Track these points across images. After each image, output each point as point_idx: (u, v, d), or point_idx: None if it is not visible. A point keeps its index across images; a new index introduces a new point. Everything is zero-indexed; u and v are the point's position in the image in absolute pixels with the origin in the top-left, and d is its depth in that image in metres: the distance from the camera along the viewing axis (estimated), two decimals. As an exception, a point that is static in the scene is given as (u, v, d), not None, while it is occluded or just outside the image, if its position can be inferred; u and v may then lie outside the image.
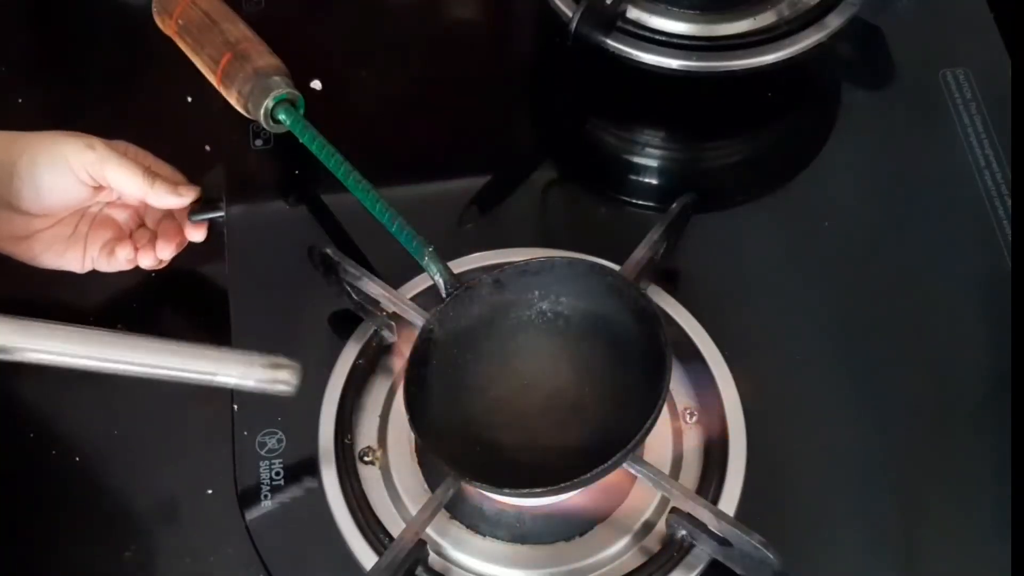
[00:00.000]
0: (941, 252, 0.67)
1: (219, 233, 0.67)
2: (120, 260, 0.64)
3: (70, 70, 0.75)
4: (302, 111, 0.65)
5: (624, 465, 0.52)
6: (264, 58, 0.65)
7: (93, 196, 0.63)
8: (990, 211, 0.67)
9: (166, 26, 0.68)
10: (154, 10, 0.69)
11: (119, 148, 0.62)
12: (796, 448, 0.60)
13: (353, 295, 0.61)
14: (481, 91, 0.74)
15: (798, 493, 0.58)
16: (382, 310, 0.61)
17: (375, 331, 0.61)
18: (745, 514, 0.55)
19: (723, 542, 0.53)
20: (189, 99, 0.70)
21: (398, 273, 0.62)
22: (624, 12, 0.69)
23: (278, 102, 0.65)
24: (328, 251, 0.60)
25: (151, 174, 0.62)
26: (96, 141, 0.61)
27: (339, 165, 0.62)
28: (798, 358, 0.63)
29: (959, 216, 0.68)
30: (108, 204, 0.65)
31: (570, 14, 0.67)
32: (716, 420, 0.59)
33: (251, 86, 0.64)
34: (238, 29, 0.66)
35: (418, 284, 0.62)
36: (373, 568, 0.52)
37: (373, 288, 0.59)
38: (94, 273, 0.66)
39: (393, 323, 0.61)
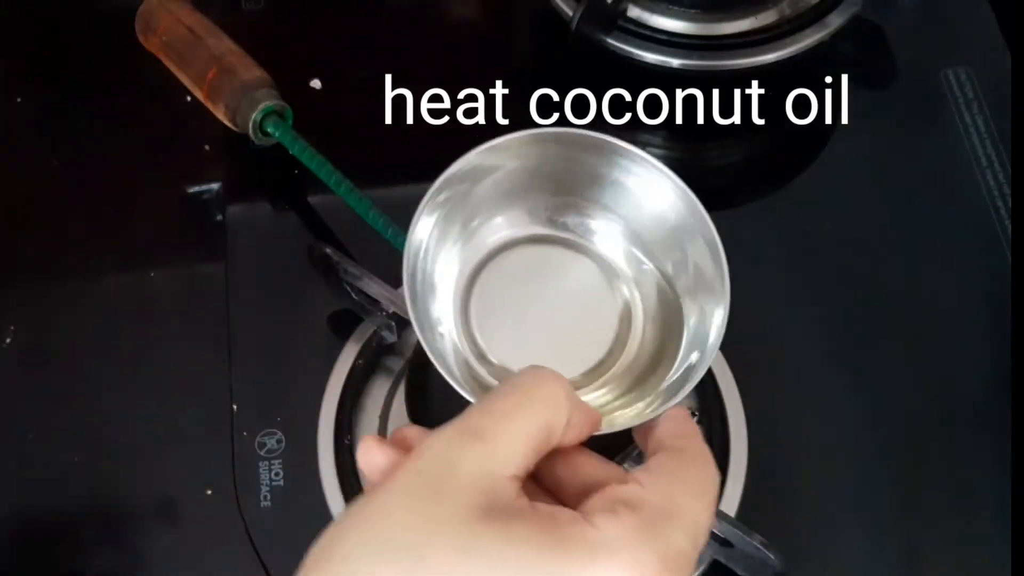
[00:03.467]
0: (943, 251, 0.67)
1: (218, 233, 0.67)
2: None
3: (69, 70, 0.75)
4: (290, 122, 0.66)
5: (625, 466, 0.52)
6: (250, 71, 0.66)
7: None
8: (992, 210, 0.67)
9: (149, 43, 0.69)
10: (137, 28, 0.69)
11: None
12: (797, 448, 0.60)
13: (353, 295, 0.61)
14: (481, 90, 0.74)
15: (799, 494, 0.58)
16: (382, 310, 0.60)
17: (375, 331, 0.61)
18: (746, 515, 0.55)
19: (724, 543, 0.53)
20: (189, 99, 0.70)
21: (398, 273, 0.61)
22: (625, 11, 0.69)
23: (266, 114, 0.65)
24: (328, 251, 0.60)
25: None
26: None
27: (330, 174, 0.62)
28: (799, 358, 0.63)
29: (961, 215, 0.68)
30: None
31: (571, 13, 0.67)
32: (717, 420, 0.59)
33: (238, 99, 0.65)
34: (223, 43, 0.67)
35: (418, 284, 0.62)
36: (373, 569, 0.52)
37: (373, 288, 0.59)
38: (91, 273, 0.66)
39: (393, 323, 0.60)
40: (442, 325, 0.40)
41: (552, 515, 0.29)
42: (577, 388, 0.39)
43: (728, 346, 0.60)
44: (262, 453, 0.59)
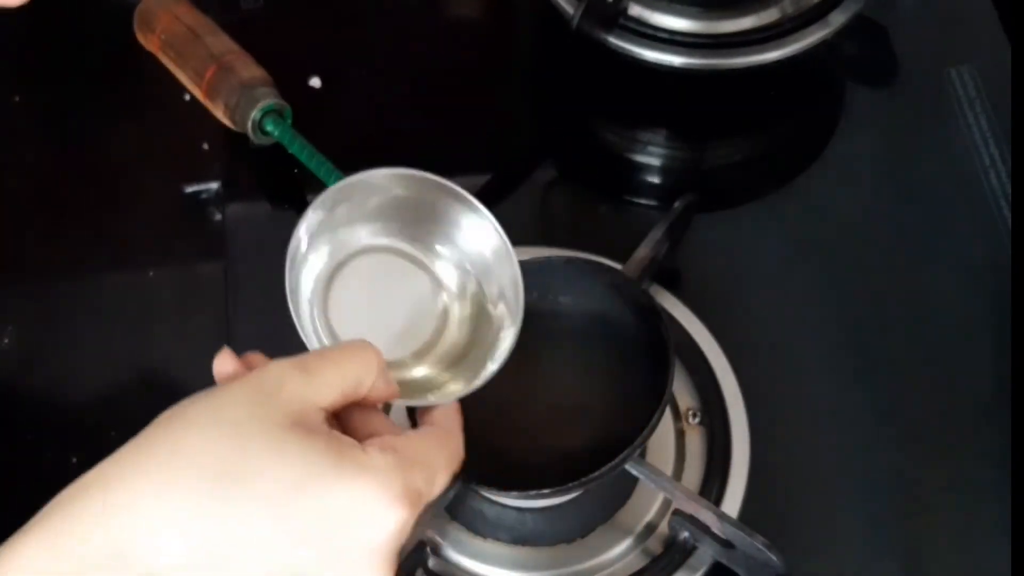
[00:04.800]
0: (945, 251, 0.66)
1: (217, 232, 0.67)
2: None
3: (68, 69, 0.75)
4: (289, 121, 0.66)
5: (626, 466, 0.52)
6: (249, 70, 0.66)
7: None
8: (994, 209, 0.67)
9: (148, 42, 0.69)
10: (136, 26, 0.69)
11: None
12: (799, 449, 0.59)
13: (353, 295, 0.60)
14: (482, 89, 0.74)
15: (801, 494, 0.58)
16: (382, 310, 0.60)
17: (375, 331, 0.61)
18: (748, 516, 0.55)
19: (726, 544, 0.53)
20: (187, 98, 0.70)
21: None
22: (626, 9, 0.69)
23: (265, 113, 0.65)
24: (327, 250, 0.60)
25: None
26: None
27: (329, 173, 0.62)
28: (801, 358, 0.63)
29: (963, 214, 0.68)
30: None
31: (572, 11, 0.66)
32: (719, 421, 0.58)
33: (237, 98, 0.65)
34: (221, 42, 0.67)
35: (418, 283, 0.61)
36: (372, 570, 0.52)
37: (373, 288, 0.59)
38: (91, 273, 0.66)
39: (393, 322, 0.60)
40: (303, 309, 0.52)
41: (340, 439, 0.40)
42: (406, 365, 0.51)
43: (731, 345, 0.60)
44: (262, 454, 0.58)
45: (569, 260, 0.58)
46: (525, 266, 0.57)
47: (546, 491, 0.51)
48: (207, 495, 0.37)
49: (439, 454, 0.43)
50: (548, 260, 0.58)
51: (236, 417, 0.38)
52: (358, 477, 0.38)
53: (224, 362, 0.43)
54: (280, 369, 0.40)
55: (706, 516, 0.53)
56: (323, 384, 0.40)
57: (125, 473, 0.38)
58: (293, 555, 0.38)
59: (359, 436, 0.41)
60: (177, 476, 0.37)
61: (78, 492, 0.38)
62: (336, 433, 0.40)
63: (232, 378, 0.42)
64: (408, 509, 0.39)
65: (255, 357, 0.44)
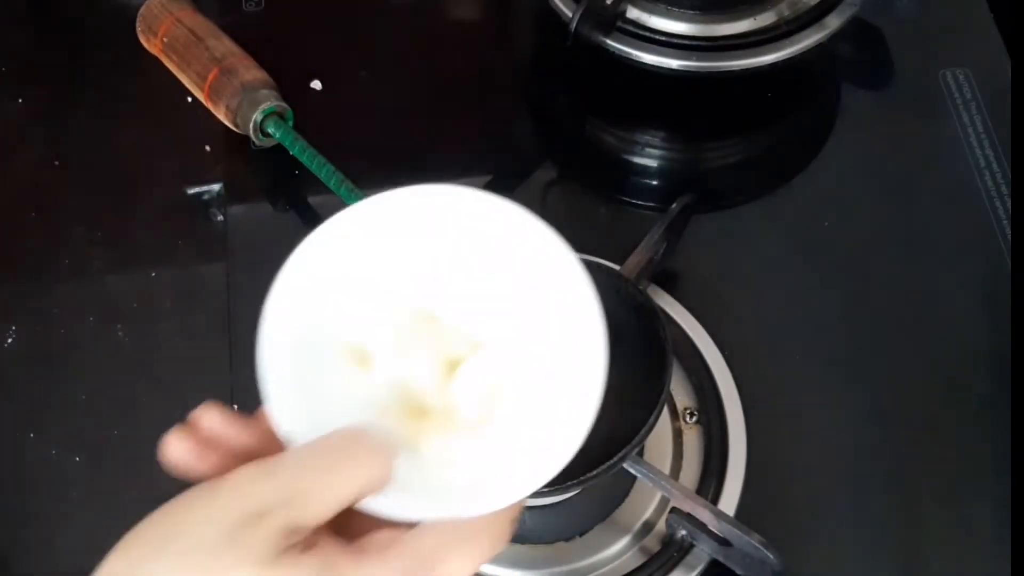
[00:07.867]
0: (941, 253, 0.67)
1: (219, 233, 0.67)
2: None
3: (70, 70, 0.75)
4: (291, 123, 0.66)
5: (624, 465, 0.52)
6: (251, 72, 0.66)
7: None
8: (990, 211, 0.67)
9: (151, 45, 0.69)
10: (138, 29, 0.69)
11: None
12: (796, 448, 0.60)
13: (353, 295, 0.60)
14: (482, 91, 0.74)
15: (798, 493, 0.58)
16: (382, 310, 0.60)
17: (375, 331, 0.61)
18: (745, 514, 0.55)
19: (723, 542, 0.53)
20: (189, 99, 0.70)
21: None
22: (624, 12, 0.69)
23: (267, 115, 0.65)
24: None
25: None
26: None
27: (331, 175, 0.62)
28: (798, 358, 0.63)
29: (959, 216, 0.68)
30: None
31: (570, 14, 0.67)
32: (716, 420, 0.59)
33: (239, 100, 0.65)
34: (223, 45, 0.67)
35: (418, 284, 0.62)
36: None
37: (373, 288, 0.59)
38: (92, 273, 0.66)
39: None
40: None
41: (335, 561, 0.32)
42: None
43: (728, 345, 0.61)
44: (262, 453, 0.58)
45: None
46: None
47: (545, 489, 0.52)
48: None
49: (463, 545, 0.34)
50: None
51: (212, 545, 0.31)
52: None
53: (177, 446, 0.34)
54: (262, 498, 0.32)
55: (703, 514, 0.53)
56: (319, 511, 0.32)
57: None
58: None
59: (354, 532, 0.34)
60: None
61: None
62: (330, 549, 0.33)
63: (191, 464, 0.34)
64: None
65: (209, 418, 0.35)
